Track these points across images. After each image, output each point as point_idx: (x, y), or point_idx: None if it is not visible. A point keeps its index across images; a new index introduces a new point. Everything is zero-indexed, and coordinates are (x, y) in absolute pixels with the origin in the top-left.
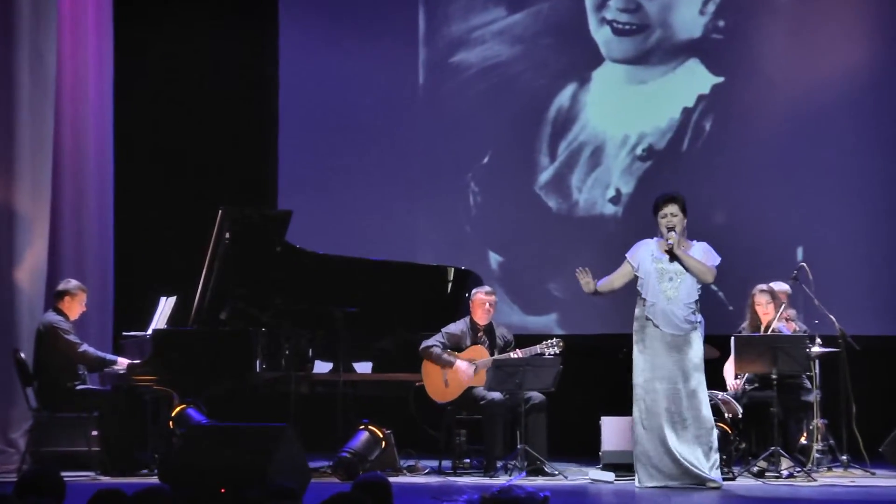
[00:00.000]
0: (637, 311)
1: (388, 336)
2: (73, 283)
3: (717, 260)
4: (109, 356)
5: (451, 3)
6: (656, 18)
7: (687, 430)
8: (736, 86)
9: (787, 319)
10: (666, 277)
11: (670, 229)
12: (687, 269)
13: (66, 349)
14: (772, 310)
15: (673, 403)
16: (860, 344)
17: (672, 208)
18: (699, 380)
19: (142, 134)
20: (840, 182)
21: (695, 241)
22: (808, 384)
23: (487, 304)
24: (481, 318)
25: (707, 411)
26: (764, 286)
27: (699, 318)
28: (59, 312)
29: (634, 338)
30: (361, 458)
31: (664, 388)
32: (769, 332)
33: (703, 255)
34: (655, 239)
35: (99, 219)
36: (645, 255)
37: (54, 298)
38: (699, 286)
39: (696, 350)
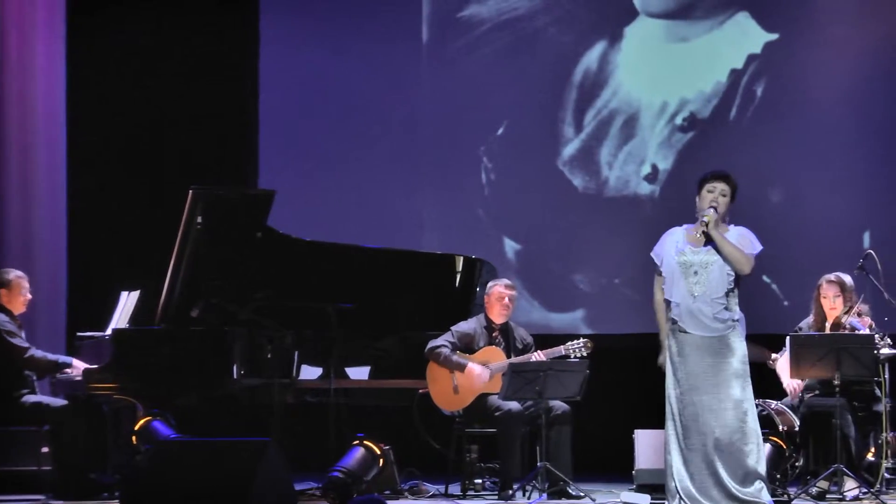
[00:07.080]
0: (668, 314)
1: (387, 336)
2: (6, 272)
3: (757, 248)
4: (63, 358)
5: None
6: None
7: (730, 447)
8: (792, 44)
9: (859, 314)
10: (691, 272)
11: (712, 207)
12: (721, 255)
13: (9, 354)
14: (840, 304)
15: (712, 417)
16: None
17: (722, 186)
18: (742, 387)
19: (98, 113)
20: None
21: (732, 226)
22: (878, 391)
23: (507, 298)
24: (498, 316)
25: (754, 423)
26: (832, 276)
27: (736, 314)
28: (2, 310)
29: (666, 344)
30: (356, 478)
31: (700, 401)
32: (838, 330)
33: (738, 240)
34: (685, 227)
35: (50, 202)
36: (669, 248)
37: None
38: (732, 278)
39: (737, 354)
